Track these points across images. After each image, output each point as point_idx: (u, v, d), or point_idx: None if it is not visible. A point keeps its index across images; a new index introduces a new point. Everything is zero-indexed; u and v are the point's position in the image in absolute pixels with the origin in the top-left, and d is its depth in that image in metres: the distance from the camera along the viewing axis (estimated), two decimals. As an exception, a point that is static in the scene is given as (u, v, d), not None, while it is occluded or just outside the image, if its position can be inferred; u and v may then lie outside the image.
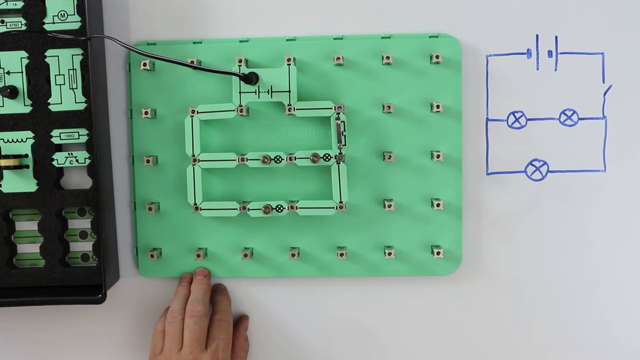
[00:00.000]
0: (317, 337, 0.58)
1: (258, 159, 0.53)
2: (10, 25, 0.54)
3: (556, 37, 0.55)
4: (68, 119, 0.54)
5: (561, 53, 0.55)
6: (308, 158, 0.53)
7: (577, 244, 0.56)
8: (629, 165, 0.56)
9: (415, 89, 0.54)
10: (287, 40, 0.55)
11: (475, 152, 0.56)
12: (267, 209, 0.53)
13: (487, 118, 0.56)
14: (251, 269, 0.56)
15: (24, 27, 0.54)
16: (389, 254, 0.54)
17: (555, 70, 0.55)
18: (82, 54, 0.54)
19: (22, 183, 0.55)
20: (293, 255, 0.54)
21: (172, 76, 0.55)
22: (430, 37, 0.54)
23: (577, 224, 0.56)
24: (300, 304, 0.57)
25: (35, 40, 0.54)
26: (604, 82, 0.55)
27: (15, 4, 0.54)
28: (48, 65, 0.54)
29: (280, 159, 0.53)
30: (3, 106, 0.54)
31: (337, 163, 0.53)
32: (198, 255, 0.55)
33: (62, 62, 0.54)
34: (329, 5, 0.55)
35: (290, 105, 0.52)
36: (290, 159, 0.53)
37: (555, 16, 0.55)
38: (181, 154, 0.55)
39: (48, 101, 0.54)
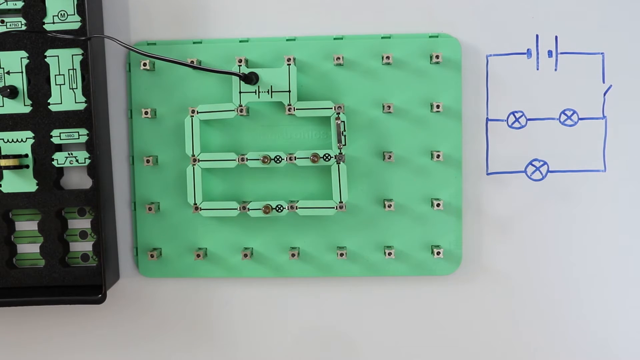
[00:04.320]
0: (317, 336, 0.58)
1: (258, 159, 0.53)
2: (10, 25, 0.54)
3: (556, 37, 0.55)
4: (68, 119, 0.54)
5: (561, 53, 0.55)
6: (308, 158, 0.53)
7: (577, 244, 0.56)
8: (629, 165, 0.56)
9: (415, 89, 0.54)
10: (287, 40, 0.55)
11: (475, 152, 0.56)
12: (267, 209, 0.53)
13: (487, 118, 0.56)
14: (251, 269, 0.56)
15: (24, 27, 0.54)
16: (389, 254, 0.54)
17: (555, 70, 0.55)
18: (82, 54, 0.54)
19: (22, 183, 0.55)
20: (293, 255, 0.54)
21: (172, 76, 0.55)
22: (430, 37, 0.54)
23: (577, 224, 0.56)
24: (300, 304, 0.57)
25: (35, 40, 0.54)
26: (604, 82, 0.55)
27: (15, 4, 0.54)
28: (48, 65, 0.54)
29: (280, 159, 0.53)
30: (3, 106, 0.54)
31: (337, 163, 0.53)
32: (198, 255, 0.55)
33: (62, 62, 0.54)
34: (329, 5, 0.55)
35: (290, 105, 0.52)
36: (290, 159, 0.53)
37: (555, 16, 0.55)
38: (181, 154, 0.55)
39: (48, 101, 0.54)
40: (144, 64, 0.54)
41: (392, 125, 0.55)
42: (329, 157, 0.53)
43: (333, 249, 0.56)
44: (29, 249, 0.57)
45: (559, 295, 0.57)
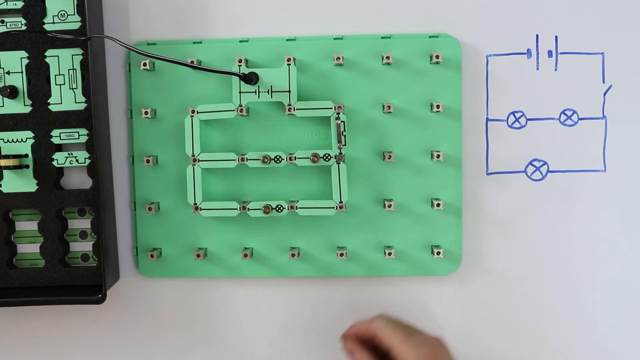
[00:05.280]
0: (317, 337, 0.58)
1: (258, 159, 0.53)
2: (10, 25, 0.54)
3: (556, 37, 0.55)
4: (68, 119, 0.54)
5: (561, 53, 0.55)
6: (308, 158, 0.53)
7: (577, 244, 0.56)
8: (629, 165, 0.56)
9: (415, 89, 0.54)
10: (287, 40, 0.55)
11: (475, 152, 0.56)
12: (267, 209, 0.53)
13: (487, 118, 0.56)
14: (251, 269, 0.56)
15: (24, 27, 0.54)
16: (389, 254, 0.54)
17: (555, 70, 0.55)
18: (82, 54, 0.54)
19: (22, 183, 0.55)
20: (293, 255, 0.54)
21: (172, 76, 0.55)
22: (430, 37, 0.54)
23: (577, 224, 0.56)
24: (300, 304, 0.57)
25: (35, 40, 0.54)
26: (604, 82, 0.55)
27: (15, 4, 0.54)
28: (48, 65, 0.54)
29: (280, 159, 0.53)
30: (3, 106, 0.54)
31: (337, 163, 0.53)
32: (198, 255, 0.54)
33: (62, 62, 0.54)
34: (329, 5, 0.55)
35: (290, 105, 0.52)
36: (290, 159, 0.53)
37: (555, 16, 0.55)
38: (181, 154, 0.55)
39: (48, 101, 0.54)
40: (144, 64, 0.54)
41: (392, 125, 0.55)
42: (329, 157, 0.53)
43: (333, 249, 0.56)
44: (29, 249, 0.57)
45: (558, 295, 0.57)
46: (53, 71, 0.54)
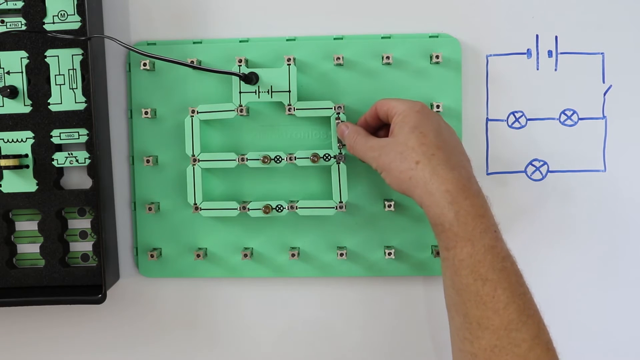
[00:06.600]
0: (317, 337, 0.58)
1: (258, 159, 0.53)
2: (10, 25, 0.54)
3: (556, 37, 0.55)
4: (68, 119, 0.54)
5: (561, 53, 0.55)
6: (308, 158, 0.53)
7: (577, 244, 0.56)
8: (629, 165, 0.56)
9: (415, 89, 0.54)
10: (287, 40, 0.55)
11: (475, 152, 0.56)
12: (267, 209, 0.53)
13: (487, 118, 0.56)
14: (251, 269, 0.56)
15: (24, 27, 0.54)
16: (389, 254, 0.54)
17: (555, 70, 0.55)
18: (82, 54, 0.54)
19: (22, 183, 0.55)
20: (293, 255, 0.54)
21: (172, 76, 0.55)
22: (430, 37, 0.54)
23: (577, 224, 0.56)
24: (300, 304, 0.57)
25: (35, 40, 0.54)
26: (604, 82, 0.55)
27: (15, 4, 0.54)
28: (48, 65, 0.54)
29: (280, 159, 0.53)
30: (3, 106, 0.54)
31: (337, 163, 0.53)
32: (198, 255, 0.54)
33: (62, 62, 0.54)
34: (329, 5, 0.55)
35: (290, 105, 0.52)
36: (290, 159, 0.53)
37: (555, 16, 0.55)
38: (181, 154, 0.55)
39: (48, 101, 0.54)
40: (144, 64, 0.54)
41: (392, 125, 0.55)
42: (329, 157, 0.53)
43: (333, 249, 0.56)
44: (29, 249, 0.57)
45: (558, 295, 0.57)
46: (53, 71, 0.54)
